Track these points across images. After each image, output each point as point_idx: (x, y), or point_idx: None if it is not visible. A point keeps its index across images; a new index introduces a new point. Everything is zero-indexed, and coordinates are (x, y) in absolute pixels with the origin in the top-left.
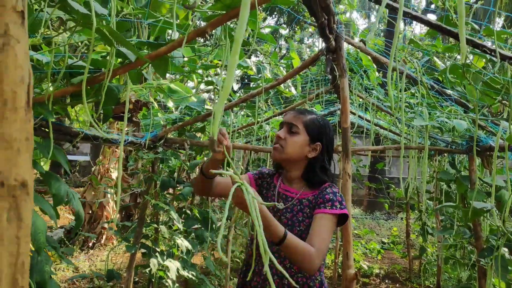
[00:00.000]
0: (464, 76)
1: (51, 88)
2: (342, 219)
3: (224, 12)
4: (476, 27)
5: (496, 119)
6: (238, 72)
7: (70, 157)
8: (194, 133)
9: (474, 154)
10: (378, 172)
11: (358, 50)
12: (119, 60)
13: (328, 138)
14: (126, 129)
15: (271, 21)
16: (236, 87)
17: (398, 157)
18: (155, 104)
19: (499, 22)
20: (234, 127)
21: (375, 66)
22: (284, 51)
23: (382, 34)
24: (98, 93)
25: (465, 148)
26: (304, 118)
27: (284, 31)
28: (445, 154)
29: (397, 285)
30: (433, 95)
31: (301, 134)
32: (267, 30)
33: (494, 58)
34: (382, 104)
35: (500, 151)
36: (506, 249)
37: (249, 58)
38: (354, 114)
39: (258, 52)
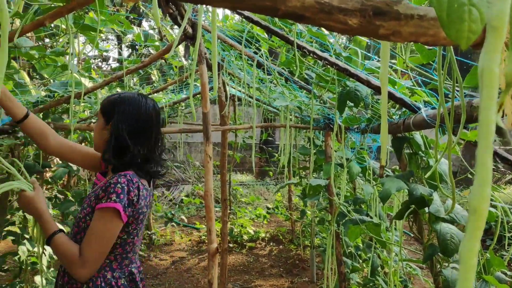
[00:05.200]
0: (300, 70)
1: None
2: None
3: (63, 4)
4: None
5: (331, 106)
6: (130, 37)
7: None
8: (60, 115)
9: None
10: (268, 141)
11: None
12: None
13: (122, 115)
14: None
15: None
16: (125, 54)
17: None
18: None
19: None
20: None
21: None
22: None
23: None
24: None
25: (321, 125)
26: (104, 100)
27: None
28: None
29: (280, 246)
30: (285, 79)
31: (99, 118)
32: None
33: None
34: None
35: (346, 130)
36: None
37: (139, 26)
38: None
39: (150, 18)
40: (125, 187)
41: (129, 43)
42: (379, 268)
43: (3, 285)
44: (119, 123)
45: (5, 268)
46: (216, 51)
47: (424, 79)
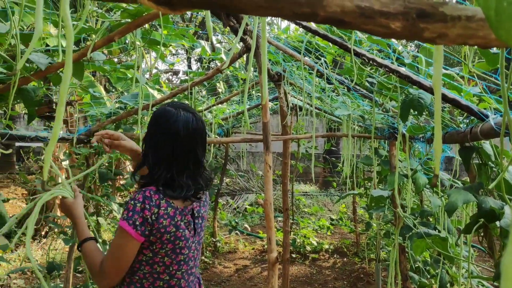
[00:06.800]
0: (359, 78)
1: None
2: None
3: (130, 20)
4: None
5: (394, 114)
6: (198, 50)
7: (22, 144)
8: (131, 125)
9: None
10: (332, 151)
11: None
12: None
13: (150, 128)
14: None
15: None
16: (194, 68)
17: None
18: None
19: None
20: None
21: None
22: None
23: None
24: (18, 97)
25: (385, 135)
26: None
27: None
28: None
29: (345, 259)
30: (345, 88)
31: None
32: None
33: (372, 63)
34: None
35: (411, 139)
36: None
37: (207, 40)
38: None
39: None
40: (138, 204)
41: (197, 56)
42: (449, 285)
43: (78, 285)
44: (146, 136)
45: (79, 269)
46: (266, 59)
47: (492, 85)
